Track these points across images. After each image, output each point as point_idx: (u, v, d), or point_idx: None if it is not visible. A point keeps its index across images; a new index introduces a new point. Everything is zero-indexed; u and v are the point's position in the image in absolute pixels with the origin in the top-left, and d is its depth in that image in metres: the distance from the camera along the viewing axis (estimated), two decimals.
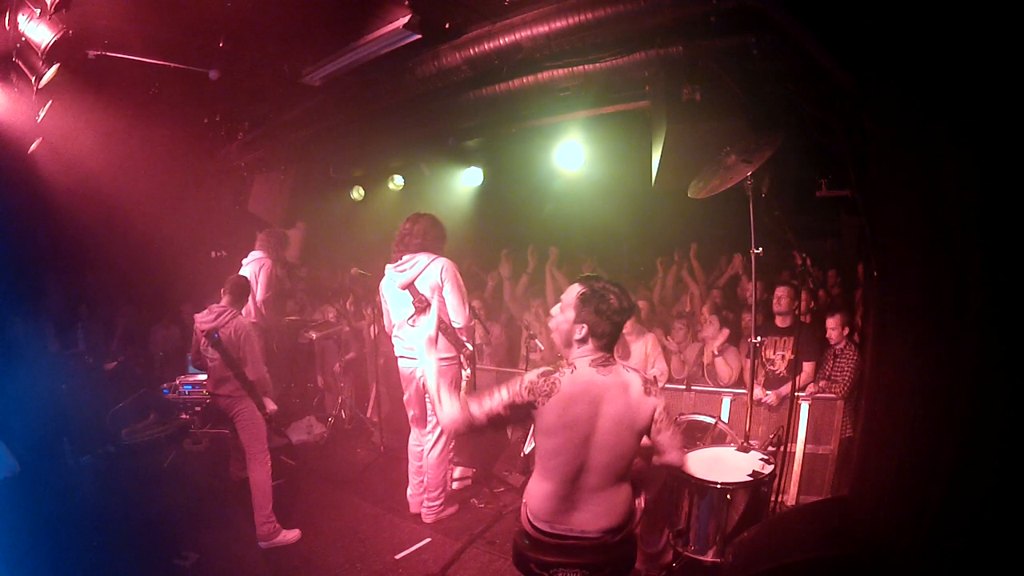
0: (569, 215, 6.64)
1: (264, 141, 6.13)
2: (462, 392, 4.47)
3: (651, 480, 2.57)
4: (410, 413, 3.93)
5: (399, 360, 3.84)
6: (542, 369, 2.10)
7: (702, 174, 3.20)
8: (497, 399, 2.07)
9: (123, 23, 3.57)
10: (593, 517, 2.10)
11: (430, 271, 3.56)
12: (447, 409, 2.09)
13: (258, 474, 3.71)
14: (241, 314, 3.85)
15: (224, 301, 3.82)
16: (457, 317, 3.58)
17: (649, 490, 2.50)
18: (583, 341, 2.10)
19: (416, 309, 3.60)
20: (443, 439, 3.78)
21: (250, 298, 4.48)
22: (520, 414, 2.08)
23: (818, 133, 3.49)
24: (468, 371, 3.98)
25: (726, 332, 4.50)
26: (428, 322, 2.32)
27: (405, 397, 3.90)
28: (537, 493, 2.15)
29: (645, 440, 2.20)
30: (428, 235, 3.63)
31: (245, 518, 3.82)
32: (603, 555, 2.13)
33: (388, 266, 3.73)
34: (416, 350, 2.30)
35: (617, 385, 2.07)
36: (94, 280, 6.62)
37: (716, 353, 4.42)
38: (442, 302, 3.56)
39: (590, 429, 2.04)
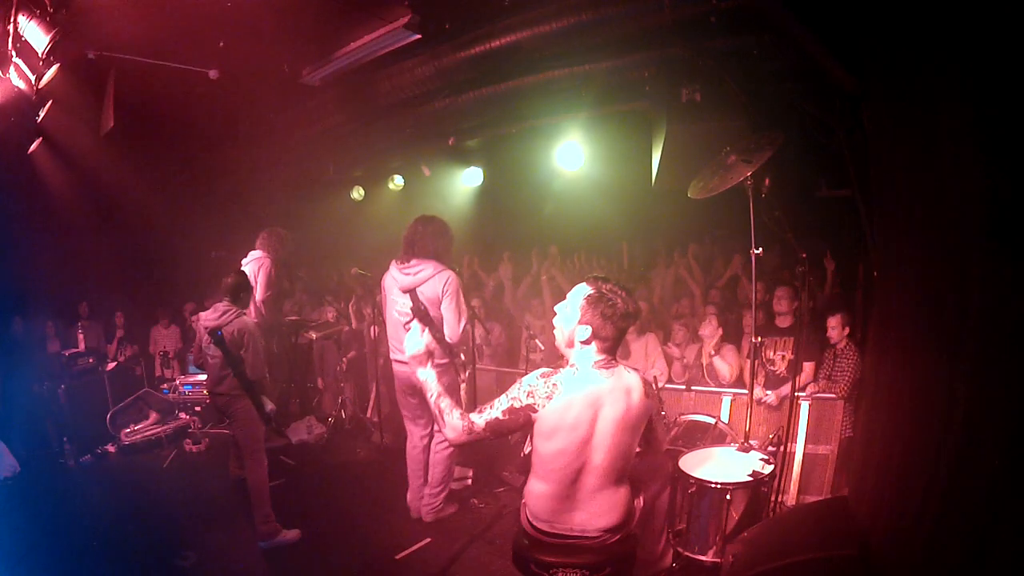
0: (569, 215, 6.64)
1: (264, 141, 6.14)
2: (461, 393, 4.48)
3: (651, 481, 2.57)
4: (404, 413, 3.93)
5: (395, 363, 3.84)
6: (541, 371, 2.09)
7: (702, 174, 3.20)
8: (497, 407, 2.06)
9: (123, 23, 3.57)
10: (592, 517, 2.10)
11: (434, 283, 3.55)
12: (449, 422, 2.06)
13: (255, 473, 3.71)
14: (245, 313, 3.84)
15: (227, 300, 3.82)
16: (451, 333, 3.58)
17: (649, 491, 2.50)
18: (586, 343, 2.09)
19: (413, 314, 3.61)
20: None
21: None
22: (521, 418, 2.05)
23: (818, 133, 3.50)
24: (462, 377, 3.97)
25: (720, 331, 4.50)
26: (419, 340, 2.20)
27: (399, 398, 3.91)
28: (536, 494, 2.15)
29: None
30: (439, 241, 3.62)
31: (245, 518, 3.82)
32: (603, 555, 2.13)
33: (394, 263, 3.72)
34: (408, 358, 2.24)
35: (619, 388, 2.06)
36: (94, 280, 6.62)
37: (712, 353, 4.42)
38: (439, 315, 3.57)
39: (590, 431, 2.04)
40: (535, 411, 2.04)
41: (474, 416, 2.06)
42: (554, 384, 2.03)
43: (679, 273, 5.74)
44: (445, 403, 2.08)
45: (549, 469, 2.10)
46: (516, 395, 2.05)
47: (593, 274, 2.16)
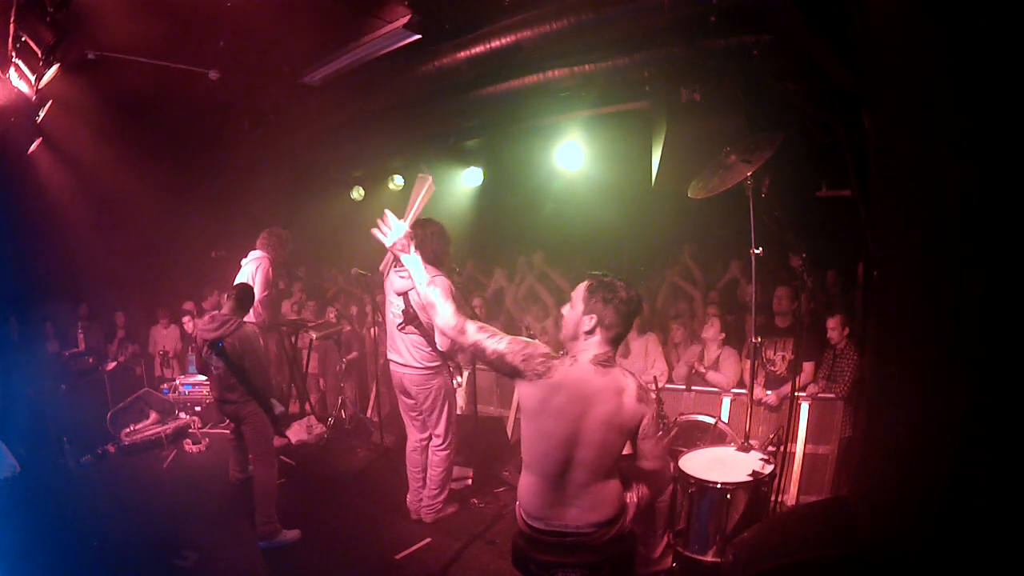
0: (569, 215, 6.64)
1: (264, 141, 6.14)
2: (461, 394, 4.49)
3: (649, 479, 2.57)
4: (403, 414, 3.93)
5: (390, 363, 3.84)
6: (546, 350, 2.10)
7: (702, 174, 3.20)
8: (493, 341, 2.09)
9: (123, 23, 3.57)
10: (583, 512, 2.11)
11: None
12: (442, 312, 2.16)
13: (264, 474, 3.71)
14: (244, 322, 3.84)
15: (226, 308, 3.81)
16: (439, 340, 3.55)
17: (645, 489, 2.49)
18: (591, 332, 2.09)
19: (404, 318, 3.61)
20: (451, 440, 3.80)
21: None
22: (502, 369, 2.10)
23: (818, 133, 3.50)
24: (460, 379, 3.96)
25: (723, 335, 4.50)
26: (400, 226, 2.31)
27: (398, 400, 3.91)
28: (527, 489, 2.16)
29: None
30: (435, 244, 3.61)
31: (245, 518, 3.81)
32: (601, 553, 2.13)
33: (393, 265, 3.74)
34: (389, 247, 2.35)
35: (612, 388, 2.06)
36: (94, 280, 6.62)
37: (706, 368, 4.42)
38: (429, 319, 3.57)
39: (577, 425, 2.04)
40: (521, 377, 2.06)
41: (471, 325, 2.13)
42: (550, 366, 2.05)
43: (679, 273, 5.74)
44: (435, 292, 2.19)
45: (534, 456, 2.11)
46: (515, 349, 2.07)
47: (591, 272, 2.20)
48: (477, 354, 2.13)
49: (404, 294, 3.60)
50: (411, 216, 2.42)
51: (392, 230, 2.28)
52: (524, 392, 2.08)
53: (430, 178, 2.51)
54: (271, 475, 3.73)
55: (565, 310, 2.20)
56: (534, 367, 2.04)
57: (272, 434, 3.87)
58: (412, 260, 2.27)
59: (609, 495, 2.13)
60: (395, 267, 3.70)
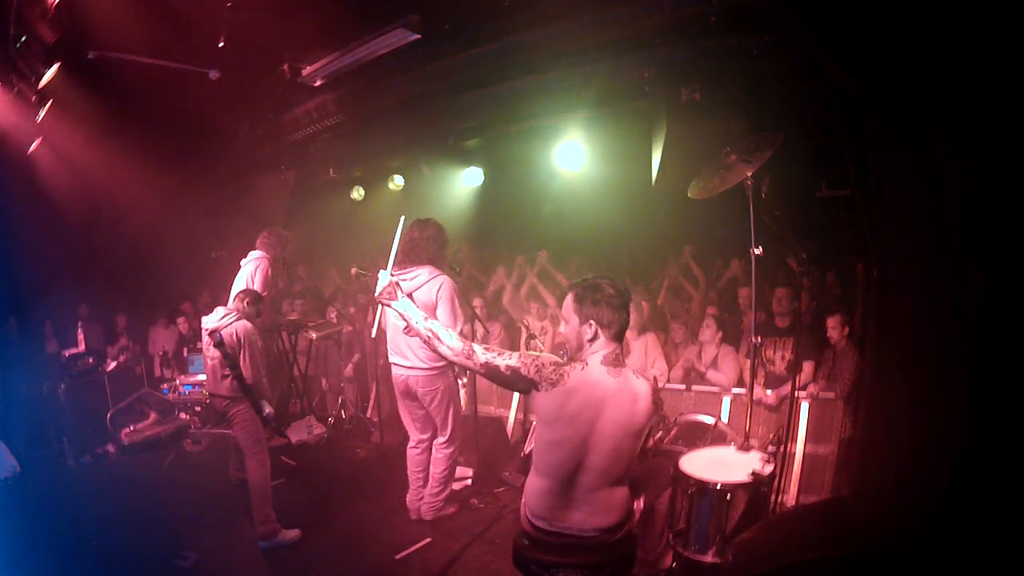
0: (569, 215, 6.64)
1: (264, 141, 6.14)
2: (462, 394, 4.49)
3: (651, 483, 2.57)
4: (404, 416, 3.93)
5: (393, 367, 3.84)
6: (556, 359, 2.11)
7: (702, 174, 3.20)
8: (504, 358, 2.08)
9: (123, 23, 3.57)
10: (590, 516, 2.11)
11: (428, 288, 3.55)
12: (447, 341, 2.13)
13: (256, 474, 3.71)
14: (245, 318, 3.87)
15: (232, 305, 3.88)
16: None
17: (649, 492, 2.50)
18: (594, 338, 2.10)
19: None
20: (456, 439, 3.80)
21: None
22: (520, 384, 2.09)
23: (818, 133, 3.50)
24: (464, 380, 3.93)
25: (720, 334, 4.50)
26: (385, 276, 2.32)
27: (398, 400, 3.90)
28: (535, 490, 2.16)
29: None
30: (434, 245, 3.63)
31: (245, 518, 3.82)
32: (603, 554, 2.13)
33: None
34: (378, 297, 2.35)
35: (624, 392, 2.07)
36: (94, 280, 6.62)
37: (705, 368, 4.42)
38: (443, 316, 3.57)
39: (590, 429, 2.05)
40: (537, 388, 2.06)
41: (477, 347, 2.11)
42: (563, 373, 2.05)
43: (679, 273, 5.74)
44: (435, 324, 2.17)
45: (546, 463, 2.12)
46: (526, 362, 2.06)
47: (571, 283, 2.22)
48: (489, 374, 2.10)
49: (408, 295, 3.60)
50: (392, 262, 2.43)
51: (379, 280, 2.29)
52: (539, 402, 2.08)
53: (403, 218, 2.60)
54: (264, 475, 3.73)
55: (562, 328, 2.21)
56: (547, 376, 2.05)
57: (262, 434, 3.87)
58: (403, 305, 2.26)
59: (617, 501, 2.14)
60: (394, 269, 3.70)
